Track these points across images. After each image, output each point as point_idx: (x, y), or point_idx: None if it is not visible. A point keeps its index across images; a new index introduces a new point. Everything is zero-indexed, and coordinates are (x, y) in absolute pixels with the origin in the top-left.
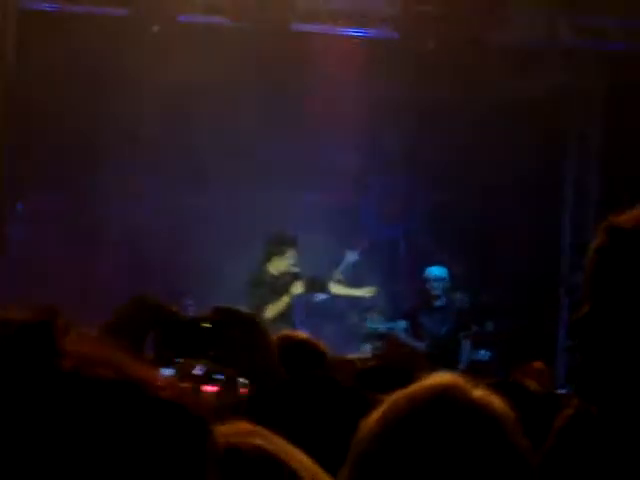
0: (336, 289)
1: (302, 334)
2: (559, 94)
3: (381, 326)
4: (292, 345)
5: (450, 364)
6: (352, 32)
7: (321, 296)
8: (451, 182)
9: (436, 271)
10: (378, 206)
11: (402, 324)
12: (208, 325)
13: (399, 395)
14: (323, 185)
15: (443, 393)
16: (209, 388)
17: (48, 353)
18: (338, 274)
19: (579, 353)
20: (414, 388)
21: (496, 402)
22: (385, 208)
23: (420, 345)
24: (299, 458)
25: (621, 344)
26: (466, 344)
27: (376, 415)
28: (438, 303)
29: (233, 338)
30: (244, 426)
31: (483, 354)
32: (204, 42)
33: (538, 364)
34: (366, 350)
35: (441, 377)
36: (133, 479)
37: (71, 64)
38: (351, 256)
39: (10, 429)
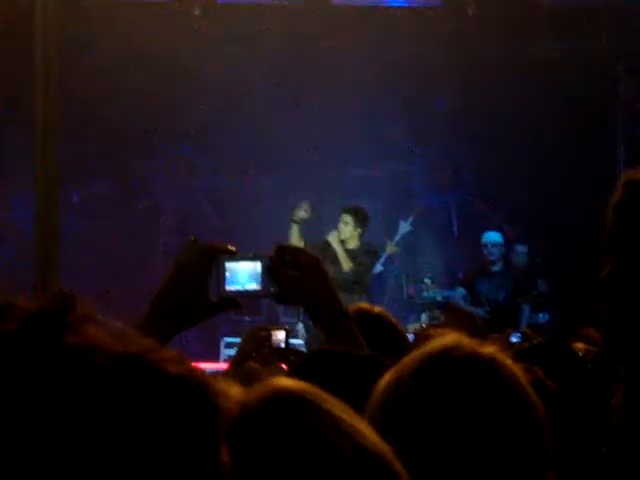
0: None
1: (377, 308)
2: (606, 54)
3: (437, 295)
4: (366, 319)
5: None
6: (395, 3)
7: (377, 268)
8: (500, 146)
9: (492, 236)
10: (428, 175)
11: (460, 291)
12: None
13: (410, 355)
14: (372, 157)
15: (450, 349)
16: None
17: (55, 337)
18: (392, 245)
19: (606, 311)
20: (422, 349)
21: (504, 358)
22: (435, 176)
23: (479, 311)
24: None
25: None
26: (525, 308)
27: (389, 375)
28: (495, 268)
29: (296, 276)
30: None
31: (542, 317)
32: (245, 23)
33: (589, 331)
34: (423, 320)
35: (449, 337)
36: (138, 454)
37: (120, 51)
38: (404, 226)
39: (14, 404)
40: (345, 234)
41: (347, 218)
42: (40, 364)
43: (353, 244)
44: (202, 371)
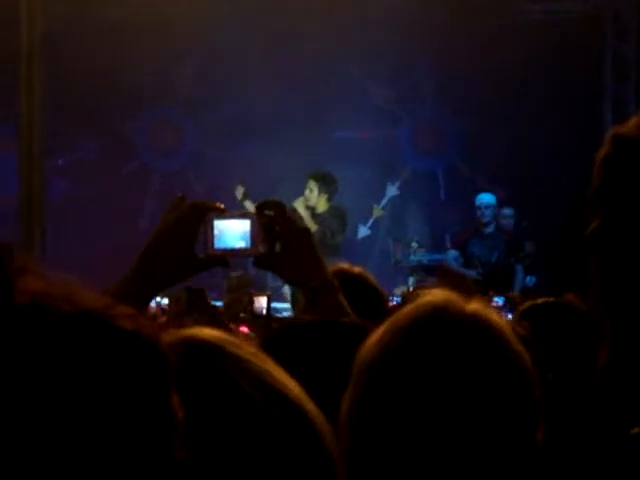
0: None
1: (357, 268)
2: (592, 16)
3: (424, 258)
4: (346, 279)
5: (505, 290)
6: None
7: (363, 232)
8: (485, 110)
9: (486, 198)
10: (414, 138)
11: (452, 253)
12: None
13: (396, 315)
14: (358, 122)
15: (438, 309)
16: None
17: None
18: (379, 210)
19: (594, 267)
20: (410, 307)
21: (491, 314)
22: (421, 140)
23: (472, 273)
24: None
25: (635, 255)
26: (519, 269)
27: (375, 336)
28: (488, 230)
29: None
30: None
31: (529, 280)
32: None
33: (570, 296)
34: (411, 283)
35: (435, 294)
36: (90, 411)
37: (103, 14)
38: (391, 190)
39: None
40: (311, 200)
41: (312, 184)
42: None
43: (322, 208)
44: (154, 325)
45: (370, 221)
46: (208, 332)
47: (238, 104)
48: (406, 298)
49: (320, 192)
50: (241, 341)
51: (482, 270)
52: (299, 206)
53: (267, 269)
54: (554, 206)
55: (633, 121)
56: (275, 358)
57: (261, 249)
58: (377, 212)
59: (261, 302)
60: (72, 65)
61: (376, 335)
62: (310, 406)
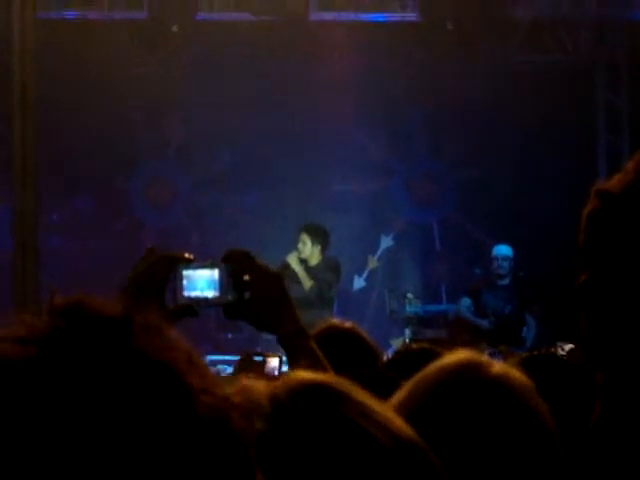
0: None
1: (347, 323)
2: (583, 65)
3: (420, 309)
4: (337, 334)
5: (515, 342)
6: (373, 18)
7: (359, 283)
8: (479, 161)
9: (504, 250)
10: (408, 190)
11: (465, 301)
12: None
13: (422, 374)
14: (352, 174)
15: (464, 370)
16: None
17: (124, 350)
18: (374, 261)
19: (583, 322)
20: (435, 367)
21: (515, 375)
22: (415, 191)
23: (484, 323)
24: None
25: (622, 309)
26: (531, 321)
27: (401, 394)
28: (503, 282)
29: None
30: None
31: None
32: (223, 38)
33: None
34: (407, 334)
35: (460, 354)
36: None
37: (95, 70)
38: (386, 241)
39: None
40: (304, 252)
41: (304, 237)
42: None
43: (315, 261)
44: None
45: (365, 272)
46: (332, 378)
47: (234, 156)
48: (399, 352)
49: (313, 244)
50: (355, 386)
51: (494, 319)
52: (292, 261)
53: (237, 318)
54: (550, 257)
55: (617, 177)
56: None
57: (230, 297)
58: (372, 263)
59: (273, 363)
60: (66, 120)
61: (401, 394)
62: (433, 456)
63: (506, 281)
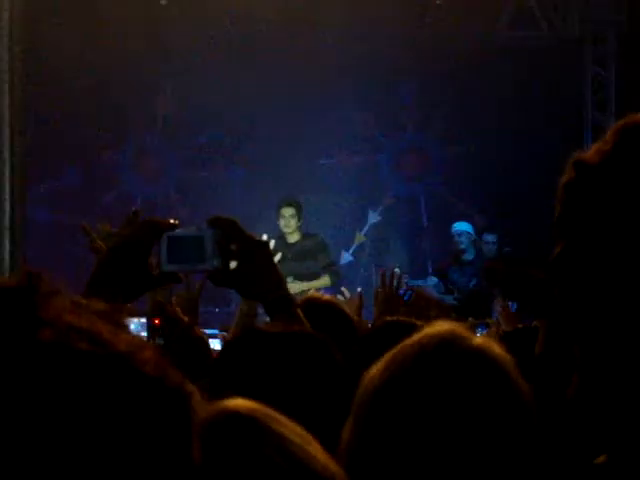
0: (292, 285)
1: (327, 296)
2: (570, 40)
3: (407, 284)
4: (317, 307)
5: (482, 317)
6: None
7: (346, 258)
8: (467, 135)
9: (459, 225)
10: (396, 165)
11: (432, 280)
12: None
13: (401, 346)
14: (340, 148)
15: (445, 341)
16: None
17: (28, 320)
18: (361, 236)
19: (557, 294)
20: (415, 338)
21: (496, 348)
22: (402, 166)
23: (448, 299)
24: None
25: (597, 280)
26: (497, 293)
27: (380, 366)
28: (466, 257)
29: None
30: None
31: (511, 306)
32: (212, 11)
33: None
34: None
35: (442, 326)
36: (111, 455)
37: (84, 43)
38: (373, 216)
39: None
40: (290, 228)
41: (290, 211)
42: (15, 360)
43: (296, 237)
44: (178, 374)
45: (353, 247)
46: (251, 405)
47: (221, 131)
48: (376, 324)
49: (298, 219)
50: (286, 418)
51: (459, 295)
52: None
53: (223, 285)
54: (537, 232)
55: (594, 147)
56: (234, 363)
57: (216, 264)
58: (359, 238)
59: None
60: (54, 91)
61: (380, 365)
62: None
63: (470, 256)
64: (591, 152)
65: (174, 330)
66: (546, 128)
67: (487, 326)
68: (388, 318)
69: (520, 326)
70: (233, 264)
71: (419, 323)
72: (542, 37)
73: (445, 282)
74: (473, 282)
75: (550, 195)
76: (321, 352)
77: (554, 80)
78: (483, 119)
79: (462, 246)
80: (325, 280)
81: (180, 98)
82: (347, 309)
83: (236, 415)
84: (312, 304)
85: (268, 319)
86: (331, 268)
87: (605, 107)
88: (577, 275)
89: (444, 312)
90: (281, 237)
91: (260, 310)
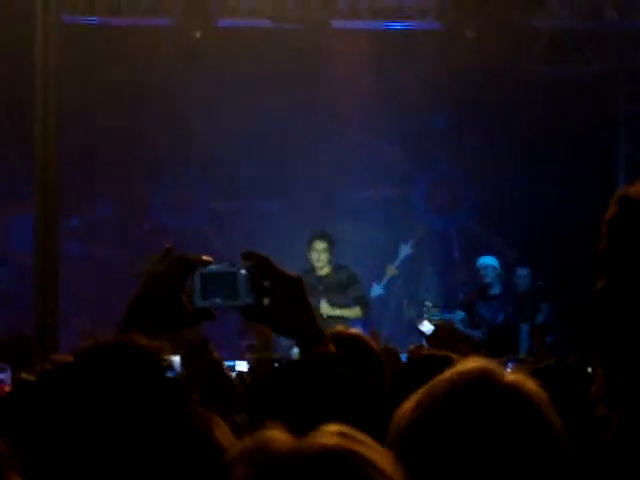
0: (326, 309)
1: (354, 330)
2: (606, 77)
3: (438, 318)
4: (343, 340)
5: (509, 352)
6: (394, 26)
7: (377, 291)
8: (499, 169)
9: (484, 259)
10: (427, 198)
11: (460, 314)
12: (244, 272)
13: (434, 382)
14: (372, 181)
15: (477, 378)
16: None
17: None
18: (393, 269)
19: (599, 328)
20: (447, 375)
21: (529, 384)
22: (434, 199)
23: (476, 333)
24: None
25: (636, 317)
26: (524, 328)
27: (411, 403)
28: (493, 291)
29: (273, 291)
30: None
31: (546, 339)
32: (246, 45)
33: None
34: (425, 342)
35: (474, 362)
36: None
37: (117, 76)
38: (405, 249)
39: None
40: (322, 262)
41: (323, 245)
42: None
43: (326, 270)
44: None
45: (384, 280)
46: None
47: (256, 163)
48: (412, 355)
49: (330, 252)
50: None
51: (486, 330)
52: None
53: (255, 321)
54: (571, 265)
55: (637, 183)
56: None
57: (248, 300)
58: (391, 271)
59: None
60: (88, 124)
61: (412, 401)
62: None
63: (496, 290)
64: (634, 188)
65: (206, 366)
66: (578, 161)
67: (519, 362)
68: (425, 351)
69: (552, 362)
70: (266, 300)
71: (454, 357)
72: (575, 70)
73: (472, 316)
74: (501, 317)
75: (582, 228)
76: (361, 390)
77: (587, 113)
78: (514, 153)
79: (487, 280)
80: (357, 311)
81: (214, 131)
82: (373, 343)
83: (335, 452)
84: (338, 337)
85: (296, 350)
86: (362, 300)
87: (638, 142)
88: (620, 309)
89: (472, 347)
90: (311, 270)
91: (286, 342)
